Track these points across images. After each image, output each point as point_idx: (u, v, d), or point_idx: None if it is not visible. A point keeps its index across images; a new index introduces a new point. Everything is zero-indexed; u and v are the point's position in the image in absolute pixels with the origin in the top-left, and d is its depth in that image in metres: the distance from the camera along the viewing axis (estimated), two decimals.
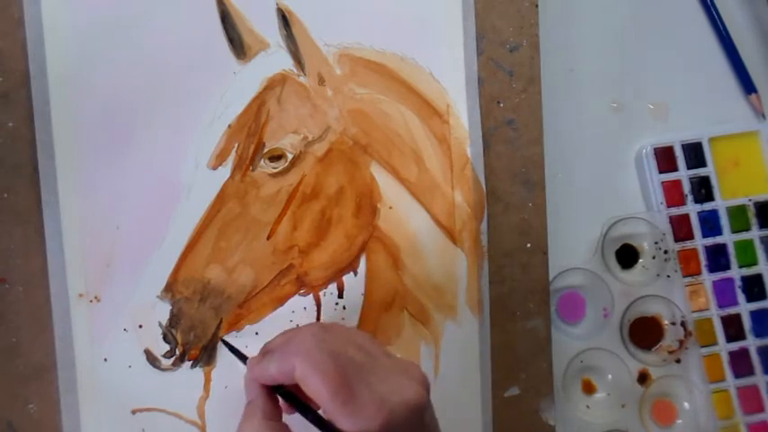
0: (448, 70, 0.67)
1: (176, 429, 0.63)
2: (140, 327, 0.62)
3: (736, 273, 0.77)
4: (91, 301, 0.61)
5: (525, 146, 0.69)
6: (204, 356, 0.63)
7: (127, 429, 0.62)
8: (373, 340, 0.56)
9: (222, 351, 0.63)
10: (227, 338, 0.64)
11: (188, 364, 0.63)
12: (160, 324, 0.63)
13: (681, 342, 0.76)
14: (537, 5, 0.69)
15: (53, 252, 0.61)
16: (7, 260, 0.61)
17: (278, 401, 0.54)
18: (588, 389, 0.76)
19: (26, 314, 0.61)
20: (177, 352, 0.63)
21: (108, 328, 0.62)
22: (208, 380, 0.63)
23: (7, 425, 0.61)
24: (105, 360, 0.62)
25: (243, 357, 0.60)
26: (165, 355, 0.63)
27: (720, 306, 0.77)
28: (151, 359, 0.63)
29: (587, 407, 0.76)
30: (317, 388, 0.49)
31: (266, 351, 0.55)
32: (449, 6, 0.67)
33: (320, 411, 0.52)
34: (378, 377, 0.51)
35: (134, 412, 0.62)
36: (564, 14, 0.74)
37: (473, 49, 0.67)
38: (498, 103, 0.68)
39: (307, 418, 0.52)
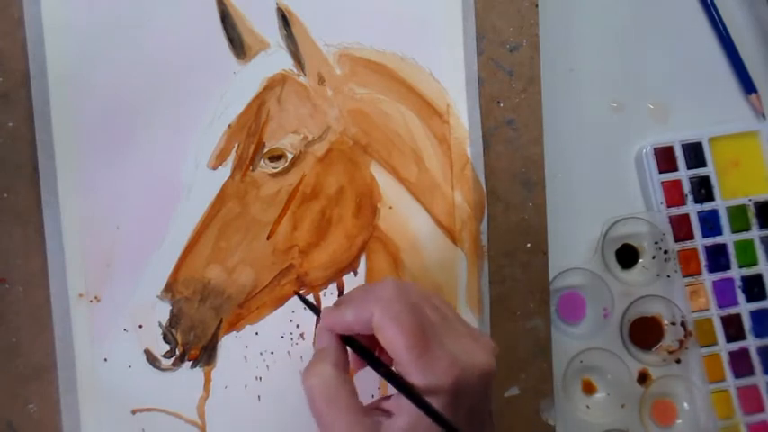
0: (448, 70, 0.67)
1: (176, 429, 0.63)
2: (140, 327, 0.62)
3: (736, 273, 0.77)
4: (91, 301, 0.61)
5: (525, 146, 0.69)
6: (204, 356, 0.63)
7: (127, 429, 0.62)
8: (449, 304, 0.55)
9: (222, 351, 0.64)
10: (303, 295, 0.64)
11: (188, 364, 0.63)
12: (160, 324, 0.63)
13: (681, 342, 0.76)
14: (537, 5, 0.69)
15: (53, 252, 0.61)
16: (7, 260, 0.61)
17: (347, 355, 0.53)
18: (588, 389, 0.76)
19: (26, 314, 0.61)
20: (177, 352, 0.63)
21: (108, 328, 0.62)
22: (208, 380, 0.63)
23: (7, 425, 0.61)
24: (105, 360, 0.62)
25: (316, 309, 0.58)
26: (165, 355, 0.63)
27: (720, 306, 0.77)
28: (151, 359, 0.63)
29: (587, 407, 0.76)
30: (393, 338, 0.48)
31: (342, 302, 0.54)
32: (449, 6, 0.67)
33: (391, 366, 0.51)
34: (452, 338, 0.50)
35: (134, 412, 0.62)
36: (564, 14, 0.74)
37: (473, 49, 0.67)
38: (498, 103, 0.68)
39: (378, 371, 0.51)
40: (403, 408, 0.48)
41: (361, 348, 0.53)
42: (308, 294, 0.65)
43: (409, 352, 0.48)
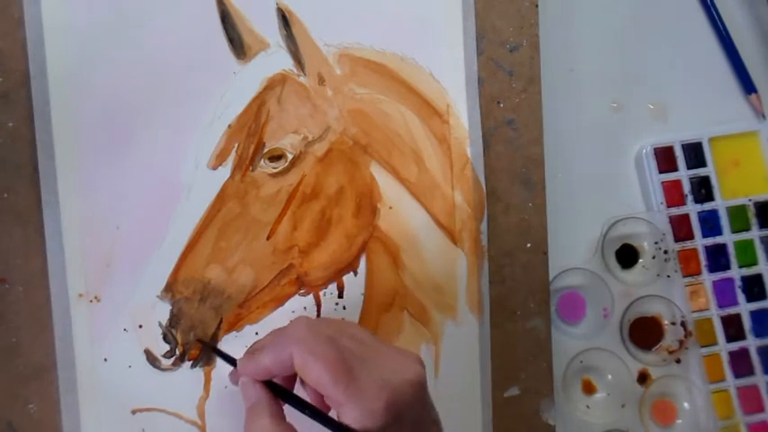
0: (448, 70, 0.67)
1: (176, 429, 0.63)
2: (140, 327, 0.62)
3: (736, 273, 0.77)
4: (91, 301, 0.61)
5: (525, 146, 0.69)
6: (204, 356, 0.63)
7: (127, 429, 0.62)
8: (363, 329, 0.56)
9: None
10: (212, 343, 0.64)
11: (188, 364, 0.63)
12: (160, 324, 0.63)
13: (681, 342, 0.76)
14: (537, 5, 0.69)
15: (53, 252, 0.61)
16: (7, 260, 0.61)
17: (279, 402, 0.54)
18: (588, 389, 0.76)
19: (26, 314, 0.61)
20: (177, 352, 0.63)
21: (108, 328, 0.62)
22: (208, 380, 0.63)
23: (7, 425, 0.60)
24: (105, 360, 0.62)
25: (231, 360, 0.59)
26: (165, 355, 0.63)
27: (720, 306, 0.77)
28: (151, 359, 0.63)
29: (587, 407, 0.76)
30: (317, 375, 0.49)
31: (255, 349, 0.55)
32: (449, 6, 0.67)
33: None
34: (375, 361, 0.51)
35: (134, 412, 0.62)
36: (564, 15, 0.74)
37: (473, 49, 0.67)
38: (498, 103, 0.68)
39: (303, 412, 0.52)
40: None
41: (284, 392, 0.54)
42: (308, 294, 0.65)
43: (335, 386, 0.49)
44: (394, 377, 0.50)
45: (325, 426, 0.50)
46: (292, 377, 0.56)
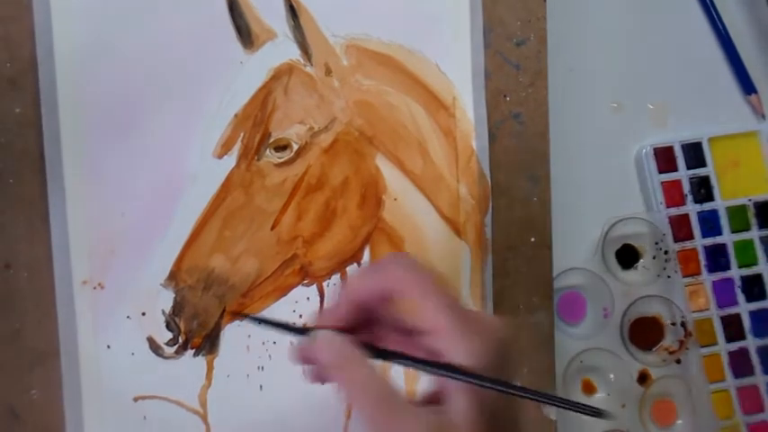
0: (454, 63, 0.67)
1: (178, 417, 0.63)
2: (143, 314, 0.62)
3: (735, 273, 0.78)
4: (95, 288, 0.61)
5: (531, 140, 0.69)
6: (207, 345, 0.63)
7: (129, 416, 0.62)
8: None
9: (225, 340, 0.63)
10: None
11: (190, 352, 0.63)
12: (163, 312, 0.62)
13: (681, 342, 0.76)
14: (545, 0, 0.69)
15: (57, 238, 0.61)
16: (12, 246, 0.60)
17: None
18: (588, 389, 0.76)
19: (30, 300, 0.60)
20: (180, 340, 0.63)
21: (111, 315, 0.62)
22: (210, 368, 0.63)
23: (10, 410, 0.60)
24: (108, 347, 0.61)
25: (296, 329, 0.50)
26: (167, 344, 0.62)
27: (720, 306, 0.77)
28: (154, 347, 0.62)
29: None
30: (429, 303, 0.45)
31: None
32: None
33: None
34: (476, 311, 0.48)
35: (136, 400, 0.62)
36: (564, 15, 0.74)
37: (480, 43, 0.68)
38: (505, 96, 0.69)
39: (419, 368, 0.46)
40: (453, 389, 0.44)
41: (393, 354, 0.47)
42: (312, 285, 0.65)
43: (450, 314, 0.44)
44: (497, 325, 0.46)
45: (445, 375, 0.44)
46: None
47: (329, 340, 0.47)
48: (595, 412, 0.44)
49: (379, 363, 0.46)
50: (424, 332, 0.46)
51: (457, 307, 0.45)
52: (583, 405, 0.44)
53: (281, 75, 0.64)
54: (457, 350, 0.44)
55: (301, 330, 0.48)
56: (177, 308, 0.62)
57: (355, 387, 0.45)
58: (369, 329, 0.49)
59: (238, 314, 0.63)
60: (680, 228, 0.77)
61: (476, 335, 0.44)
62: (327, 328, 0.47)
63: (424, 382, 0.47)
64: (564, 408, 0.45)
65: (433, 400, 0.45)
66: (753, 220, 0.78)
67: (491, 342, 0.44)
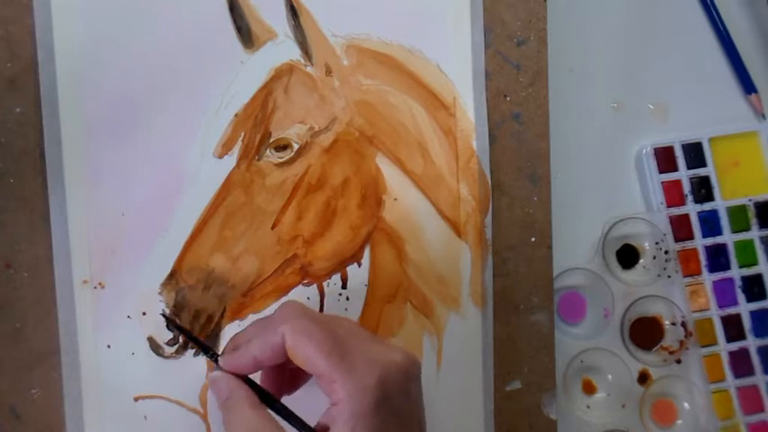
0: (455, 63, 0.67)
1: (178, 417, 0.62)
2: (144, 314, 0.62)
3: (736, 273, 0.78)
4: (95, 288, 0.61)
5: (531, 140, 0.69)
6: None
7: (129, 416, 0.62)
8: (353, 321, 0.58)
9: (225, 340, 0.63)
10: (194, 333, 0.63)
11: (191, 352, 0.63)
12: (164, 312, 0.62)
13: (681, 342, 0.76)
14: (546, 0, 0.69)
15: (58, 238, 0.61)
16: (12, 245, 0.60)
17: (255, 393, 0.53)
18: (588, 389, 0.76)
19: (30, 300, 0.60)
20: (180, 340, 0.62)
21: (112, 314, 0.62)
22: (210, 368, 0.63)
23: (10, 410, 0.60)
24: (108, 347, 0.61)
25: (210, 351, 0.57)
26: (168, 343, 0.62)
27: (720, 306, 0.77)
28: (154, 347, 0.62)
29: (587, 407, 0.76)
30: (310, 350, 0.49)
31: (238, 342, 0.54)
32: None
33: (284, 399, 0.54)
34: (365, 344, 0.51)
35: (136, 399, 0.62)
36: (564, 15, 0.74)
37: (480, 43, 0.68)
38: (505, 96, 0.69)
39: (278, 413, 0.52)
40: (336, 419, 0.48)
41: (263, 393, 0.53)
42: (312, 284, 0.65)
43: (329, 359, 0.48)
44: (385, 357, 0.50)
45: (297, 427, 0.51)
46: (275, 376, 0.56)
47: (218, 380, 0.53)
48: None
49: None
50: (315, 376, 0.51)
51: (336, 350, 0.49)
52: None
53: (282, 75, 0.64)
54: (337, 393, 0.49)
55: (211, 355, 0.55)
56: (178, 307, 0.62)
57: (231, 427, 0.51)
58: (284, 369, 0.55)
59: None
60: (680, 228, 0.77)
61: (354, 376, 0.48)
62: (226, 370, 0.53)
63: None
64: None
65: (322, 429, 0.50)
66: (753, 220, 0.78)
67: (373, 379, 0.49)
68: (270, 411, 0.52)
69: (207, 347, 0.58)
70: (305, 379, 0.58)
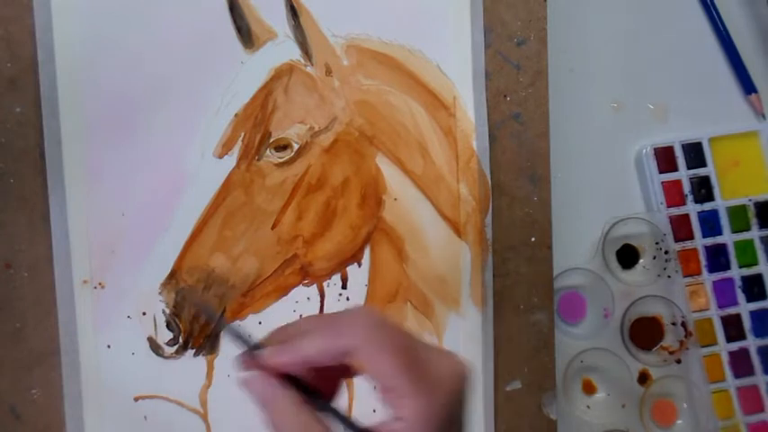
0: (455, 63, 0.67)
1: (178, 417, 0.63)
2: (144, 314, 0.62)
3: (736, 273, 0.78)
4: (95, 288, 0.61)
5: (531, 140, 0.69)
6: (207, 345, 0.63)
7: (129, 416, 0.62)
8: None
9: (225, 339, 0.63)
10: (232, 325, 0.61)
11: (191, 352, 0.63)
12: (164, 312, 0.62)
13: (681, 342, 0.76)
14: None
15: (58, 238, 0.61)
16: (12, 245, 0.60)
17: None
18: (588, 389, 0.76)
19: (30, 300, 0.61)
20: (180, 340, 0.63)
21: (112, 314, 0.62)
22: (210, 368, 0.63)
23: (10, 410, 0.60)
24: (109, 347, 0.62)
25: (252, 344, 0.49)
26: (168, 343, 0.63)
27: (720, 306, 0.77)
28: (154, 347, 0.62)
29: (587, 407, 0.76)
30: (386, 367, 0.45)
31: (289, 334, 0.48)
32: None
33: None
34: (433, 356, 0.47)
35: (136, 399, 0.62)
36: (564, 15, 0.74)
37: (480, 43, 0.68)
38: (505, 96, 0.69)
39: (332, 414, 0.47)
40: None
41: (309, 391, 0.47)
42: (312, 285, 0.65)
43: (406, 376, 0.44)
44: (450, 372, 0.47)
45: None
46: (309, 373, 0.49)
47: (260, 381, 0.47)
48: None
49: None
50: (377, 386, 0.46)
51: (414, 367, 0.45)
52: None
53: (282, 75, 0.64)
54: (405, 409, 0.44)
55: (256, 347, 0.48)
56: (178, 307, 0.62)
57: (274, 428, 0.46)
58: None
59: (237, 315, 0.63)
60: (680, 228, 0.77)
61: (426, 394, 0.45)
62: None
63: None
64: None
65: None
66: (753, 220, 0.78)
67: (441, 398, 0.45)
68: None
69: (247, 340, 0.49)
70: (340, 386, 0.52)
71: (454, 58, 0.67)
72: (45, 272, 0.61)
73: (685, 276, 0.77)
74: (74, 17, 0.61)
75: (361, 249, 0.66)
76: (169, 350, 0.62)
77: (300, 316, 0.65)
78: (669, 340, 0.77)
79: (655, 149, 0.76)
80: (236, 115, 0.64)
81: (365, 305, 0.54)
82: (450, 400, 0.46)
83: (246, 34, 0.64)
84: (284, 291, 0.65)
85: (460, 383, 0.48)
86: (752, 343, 0.77)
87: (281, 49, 0.64)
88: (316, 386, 0.48)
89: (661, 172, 0.76)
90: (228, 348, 0.63)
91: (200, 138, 0.63)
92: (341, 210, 0.66)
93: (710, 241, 0.77)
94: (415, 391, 0.45)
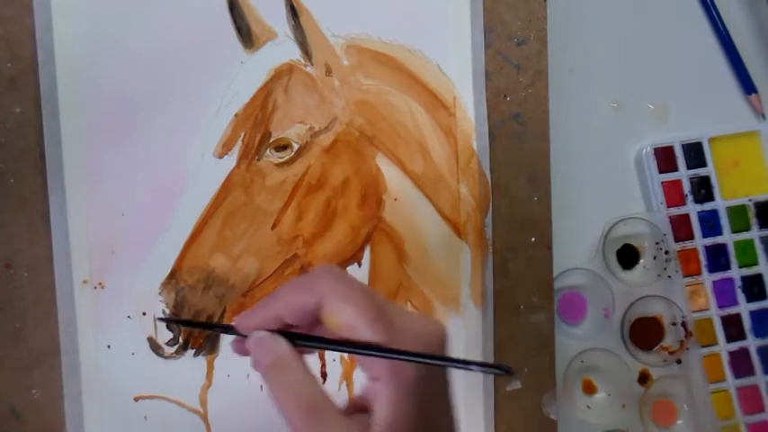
0: (455, 63, 0.67)
1: (178, 417, 0.63)
2: (144, 314, 0.62)
3: (736, 273, 0.78)
4: (95, 288, 0.61)
5: (531, 140, 0.69)
6: (207, 345, 0.63)
7: (129, 416, 0.62)
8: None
9: (225, 339, 0.63)
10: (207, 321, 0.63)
11: (191, 352, 0.63)
12: (164, 312, 0.62)
13: (681, 343, 0.76)
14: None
15: (58, 238, 0.61)
16: (12, 245, 0.60)
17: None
18: (589, 389, 0.76)
19: (30, 300, 0.60)
20: (180, 340, 0.63)
21: (112, 314, 0.62)
22: (210, 368, 0.63)
23: (10, 410, 0.60)
24: (108, 347, 0.62)
25: (222, 326, 0.54)
26: (168, 343, 0.63)
27: (720, 306, 0.77)
28: (154, 347, 0.62)
29: (588, 407, 0.76)
30: (353, 317, 0.45)
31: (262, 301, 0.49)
32: None
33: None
34: (404, 314, 0.47)
35: (136, 399, 0.62)
36: (564, 15, 0.74)
37: (480, 43, 0.68)
38: (505, 96, 0.69)
39: (333, 349, 0.48)
40: (378, 395, 0.45)
41: (304, 336, 0.48)
42: None
43: (373, 328, 0.45)
44: (424, 328, 0.47)
45: (359, 353, 0.46)
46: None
47: (262, 340, 0.47)
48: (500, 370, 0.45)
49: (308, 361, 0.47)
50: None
51: (381, 319, 0.45)
52: (487, 364, 0.46)
53: (282, 75, 0.64)
54: (379, 367, 0.45)
55: (228, 329, 0.50)
56: (178, 308, 0.62)
57: (284, 392, 0.45)
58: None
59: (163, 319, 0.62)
60: (680, 228, 0.77)
61: (394, 344, 0.45)
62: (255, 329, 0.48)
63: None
64: (470, 369, 0.46)
65: (363, 407, 0.46)
66: (753, 220, 0.78)
67: (414, 347, 0.45)
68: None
69: (216, 324, 0.57)
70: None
71: (454, 58, 0.67)
72: (45, 272, 0.61)
73: (685, 276, 0.77)
74: (74, 17, 0.61)
75: (362, 249, 0.66)
76: (169, 350, 0.62)
77: None
78: (669, 340, 0.77)
79: (655, 149, 0.76)
80: (236, 115, 0.64)
81: (327, 264, 0.53)
82: (426, 349, 0.46)
83: (246, 34, 0.64)
84: None
85: (437, 341, 0.47)
86: (752, 343, 0.77)
87: (281, 49, 0.64)
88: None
89: (661, 172, 0.76)
90: (228, 348, 0.63)
91: (200, 138, 0.63)
92: (341, 210, 0.66)
93: (710, 241, 0.77)
94: (387, 344, 0.45)
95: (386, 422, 0.44)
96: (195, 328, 0.63)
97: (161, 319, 0.62)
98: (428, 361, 0.45)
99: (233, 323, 0.49)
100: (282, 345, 0.47)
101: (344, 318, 0.45)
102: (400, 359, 0.44)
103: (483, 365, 0.46)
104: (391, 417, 0.44)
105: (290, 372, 0.46)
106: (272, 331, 0.48)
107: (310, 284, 0.47)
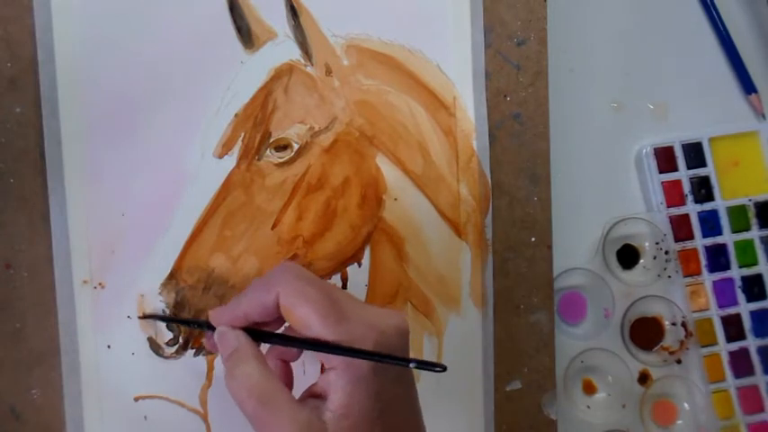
0: (455, 63, 0.67)
1: (178, 417, 0.63)
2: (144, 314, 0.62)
3: (736, 273, 0.78)
4: (95, 288, 0.61)
5: (531, 140, 0.69)
6: None
7: (129, 416, 0.62)
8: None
9: None
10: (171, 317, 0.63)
11: (191, 352, 0.63)
12: (164, 312, 0.62)
13: (681, 343, 0.76)
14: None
15: (58, 238, 0.61)
16: (12, 245, 0.60)
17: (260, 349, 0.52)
18: (589, 389, 0.76)
19: (30, 300, 0.60)
20: (180, 340, 0.63)
21: (112, 314, 0.62)
22: (210, 368, 0.63)
23: (10, 410, 0.60)
24: (108, 347, 0.61)
25: (204, 324, 0.56)
26: (168, 343, 0.62)
27: (720, 306, 0.77)
28: (154, 347, 0.62)
29: (588, 407, 0.76)
30: (305, 313, 0.48)
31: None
32: None
33: None
34: (359, 307, 0.51)
35: (136, 399, 0.62)
36: (564, 15, 0.74)
37: (480, 43, 0.68)
38: (505, 96, 0.69)
39: (297, 345, 0.52)
40: (333, 383, 0.48)
41: (266, 333, 0.52)
42: None
43: (325, 323, 0.48)
44: (380, 321, 0.50)
45: (324, 351, 0.49)
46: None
47: (223, 334, 0.52)
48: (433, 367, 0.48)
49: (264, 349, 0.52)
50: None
51: (333, 313, 0.48)
52: (424, 361, 0.49)
53: (282, 75, 0.64)
54: (333, 359, 0.48)
55: (203, 325, 0.56)
56: (178, 308, 0.62)
57: (235, 381, 0.49)
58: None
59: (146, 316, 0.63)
60: (680, 228, 0.77)
61: (350, 339, 0.48)
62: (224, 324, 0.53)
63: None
64: (407, 366, 0.49)
65: (316, 394, 0.50)
66: (753, 220, 0.78)
67: (368, 342, 0.48)
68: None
69: (192, 320, 0.59)
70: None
71: (454, 58, 0.67)
72: (45, 272, 0.61)
73: (685, 276, 0.77)
74: (74, 17, 0.61)
75: (362, 249, 0.66)
76: (169, 350, 0.62)
77: None
78: (669, 340, 0.77)
79: (655, 149, 0.76)
80: (236, 115, 0.64)
81: (287, 261, 0.57)
82: (380, 347, 0.48)
83: (246, 34, 0.64)
84: None
85: (395, 334, 0.50)
86: (752, 343, 0.77)
87: (281, 49, 0.64)
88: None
89: (661, 172, 0.76)
90: None
91: (200, 138, 0.63)
92: (341, 210, 0.66)
93: (710, 241, 0.77)
94: (340, 336, 0.48)
95: (338, 408, 0.47)
96: (180, 325, 0.63)
97: (141, 317, 0.62)
98: (367, 357, 0.48)
99: (209, 314, 0.54)
100: (241, 339, 0.51)
101: (298, 313, 0.49)
102: (336, 354, 0.48)
103: (420, 363, 0.48)
104: (344, 403, 0.48)
105: (244, 363, 0.49)
106: (244, 329, 0.52)
107: (269, 282, 0.51)
